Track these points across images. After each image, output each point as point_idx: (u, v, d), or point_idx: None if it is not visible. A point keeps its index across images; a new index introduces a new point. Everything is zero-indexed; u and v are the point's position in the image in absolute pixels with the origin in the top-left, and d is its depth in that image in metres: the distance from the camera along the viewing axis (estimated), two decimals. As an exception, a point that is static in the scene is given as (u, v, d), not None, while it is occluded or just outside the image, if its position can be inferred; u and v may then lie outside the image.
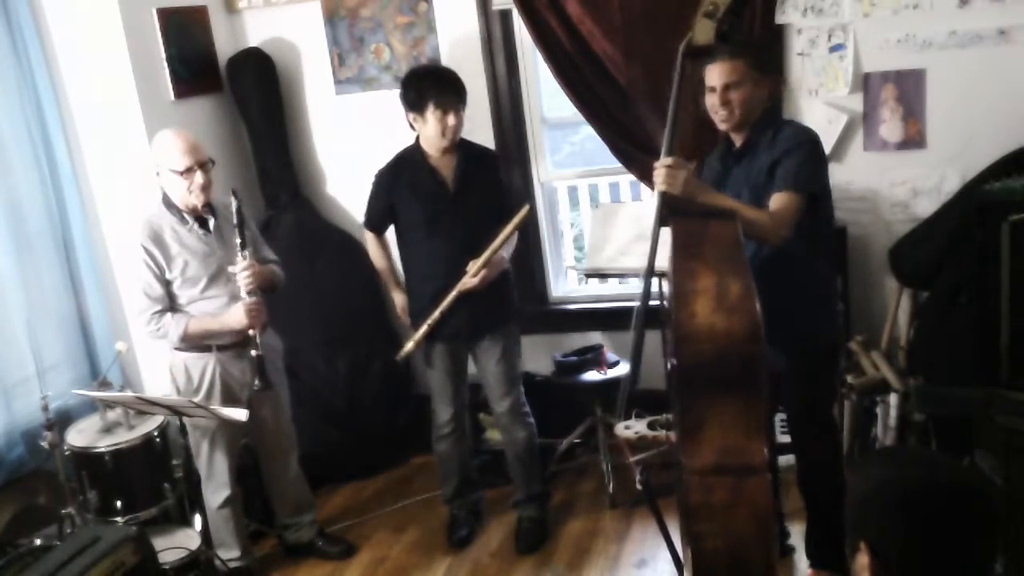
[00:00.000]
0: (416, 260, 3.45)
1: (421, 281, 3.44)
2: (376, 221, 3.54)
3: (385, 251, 3.60)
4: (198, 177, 3.12)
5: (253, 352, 3.17)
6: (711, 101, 2.81)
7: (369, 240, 3.61)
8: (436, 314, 3.33)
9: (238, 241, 3.15)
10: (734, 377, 2.34)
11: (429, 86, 3.25)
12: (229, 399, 3.27)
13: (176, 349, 3.25)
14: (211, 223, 3.24)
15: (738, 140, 2.87)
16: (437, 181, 3.35)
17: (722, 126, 2.84)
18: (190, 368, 3.26)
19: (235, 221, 3.16)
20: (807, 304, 2.83)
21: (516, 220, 3.30)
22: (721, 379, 2.33)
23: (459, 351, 3.49)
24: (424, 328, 3.35)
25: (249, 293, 3.15)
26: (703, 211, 2.54)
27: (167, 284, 3.19)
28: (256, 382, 3.18)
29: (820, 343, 2.87)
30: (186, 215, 3.19)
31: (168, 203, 3.20)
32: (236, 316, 3.16)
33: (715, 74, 2.78)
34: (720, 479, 2.29)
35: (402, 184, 3.39)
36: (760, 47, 2.97)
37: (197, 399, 3.21)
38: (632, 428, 2.65)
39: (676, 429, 2.52)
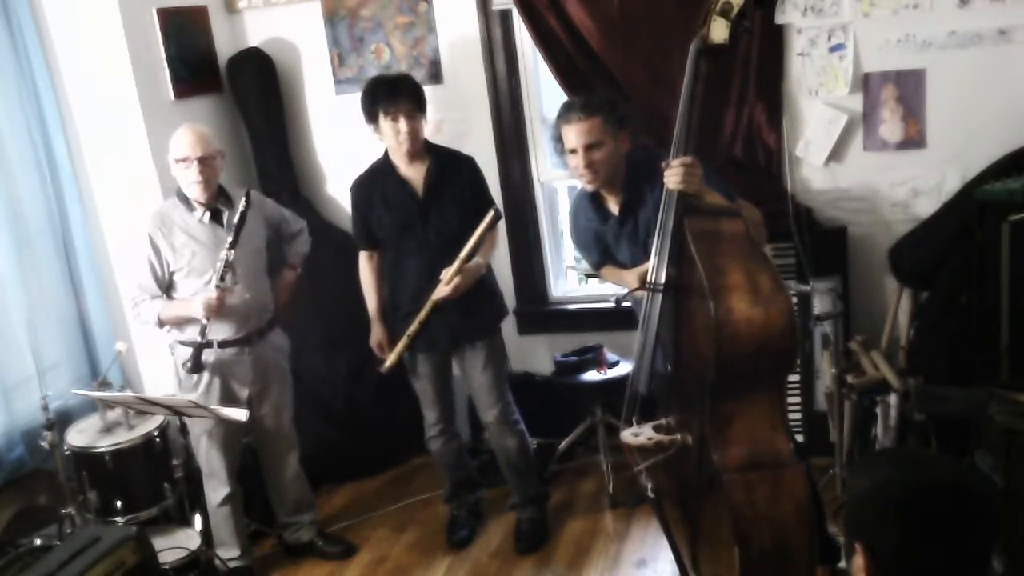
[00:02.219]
0: (396, 272, 3.42)
1: (401, 293, 3.41)
2: (362, 235, 3.45)
3: (377, 273, 3.48)
4: (193, 168, 3.15)
5: (199, 337, 3.13)
6: (573, 163, 2.78)
7: (361, 260, 3.50)
8: (414, 326, 3.31)
9: (229, 239, 3.14)
10: (767, 370, 2.33)
11: (379, 94, 3.21)
12: (228, 397, 3.29)
13: (180, 343, 3.27)
14: (225, 216, 3.25)
15: (613, 203, 2.86)
16: (407, 191, 3.31)
17: (588, 187, 2.84)
18: (192, 363, 3.27)
19: (236, 220, 3.17)
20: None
21: (483, 225, 3.22)
22: (755, 373, 2.32)
23: (441, 359, 3.46)
24: (404, 341, 3.34)
25: (217, 285, 3.12)
26: (710, 210, 2.52)
27: (170, 275, 3.22)
28: (187, 362, 3.14)
29: None
30: (195, 205, 3.22)
31: (181, 194, 3.25)
32: (195, 304, 3.14)
33: (573, 136, 2.74)
34: (760, 474, 2.27)
35: (375, 196, 3.36)
36: (614, 101, 2.88)
37: (196, 394, 3.23)
38: (642, 434, 2.61)
39: (692, 429, 2.50)
